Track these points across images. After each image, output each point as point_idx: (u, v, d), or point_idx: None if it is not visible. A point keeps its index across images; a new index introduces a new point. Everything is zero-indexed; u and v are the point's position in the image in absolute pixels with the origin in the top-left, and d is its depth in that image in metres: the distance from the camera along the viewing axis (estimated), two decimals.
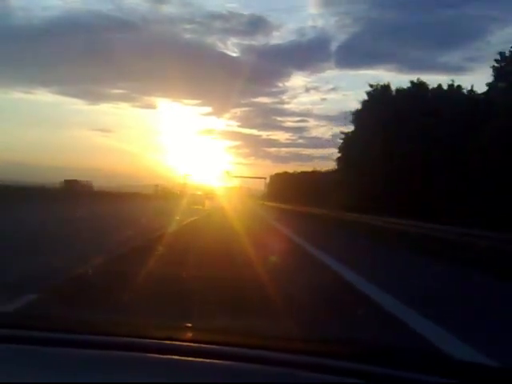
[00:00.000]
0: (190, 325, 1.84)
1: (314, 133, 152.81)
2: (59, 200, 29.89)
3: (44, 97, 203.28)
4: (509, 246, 10.24)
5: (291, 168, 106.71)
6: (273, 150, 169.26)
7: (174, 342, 1.35)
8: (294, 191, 66.49)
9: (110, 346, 1.31)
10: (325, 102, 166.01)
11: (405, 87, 36.18)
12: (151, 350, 1.28)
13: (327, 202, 39.13)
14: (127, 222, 19.24)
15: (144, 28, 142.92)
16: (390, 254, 12.42)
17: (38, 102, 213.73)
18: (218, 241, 12.53)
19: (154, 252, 8.86)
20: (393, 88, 37.08)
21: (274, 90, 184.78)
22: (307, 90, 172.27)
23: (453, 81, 35.05)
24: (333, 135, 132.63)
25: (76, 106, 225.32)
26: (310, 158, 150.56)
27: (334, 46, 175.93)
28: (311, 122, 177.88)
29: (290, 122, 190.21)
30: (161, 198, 60.31)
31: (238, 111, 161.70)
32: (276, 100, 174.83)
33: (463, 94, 33.33)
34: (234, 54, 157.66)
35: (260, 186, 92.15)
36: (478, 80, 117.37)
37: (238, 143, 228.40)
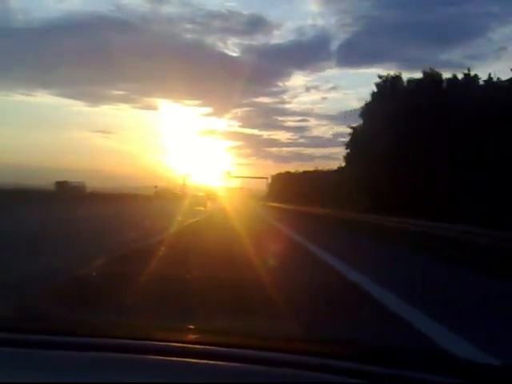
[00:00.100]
0: (191, 326, 1.84)
1: (315, 132, 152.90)
2: (45, 202, 28.26)
3: (44, 99, 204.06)
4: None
5: (292, 168, 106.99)
6: (274, 149, 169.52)
7: (174, 344, 1.35)
8: (295, 191, 66.53)
9: (111, 348, 1.31)
10: (325, 101, 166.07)
11: (416, 77, 33.54)
12: (152, 352, 1.28)
13: (330, 202, 38.42)
14: (113, 228, 15.86)
15: (144, 29, 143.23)
16: (400, 257, 12.36)
17: (38, 104, 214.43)
18: (220, 242, 12.54)
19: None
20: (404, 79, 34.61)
21: (275, 89, 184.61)
22: (308, 89, 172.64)
23: (469, 69, 32.21)
24: (334, 134, 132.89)
25: (76, 107, 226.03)
26: (311, 157, 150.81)
27: (334, 44, 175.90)
28: (312, 122, 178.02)
29: (290, 121, 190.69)
30: (161, 199, 59.91)
31: (239, 111, 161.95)
32: (277, 100, 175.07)
33: (479, 84, 30.88)
34: (234, 54, 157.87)
35: (261, 186, 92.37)
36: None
37: (239, 143, 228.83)
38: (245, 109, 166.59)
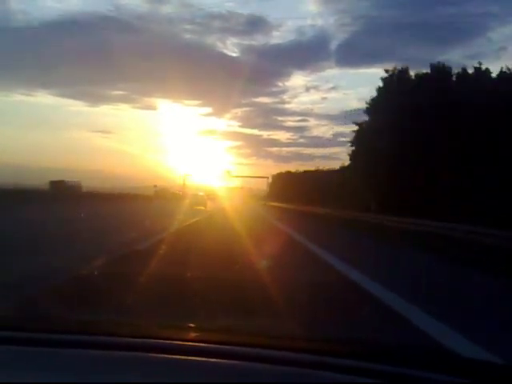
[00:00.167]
0: (192, 324, 1.84)
1: (315, 132, 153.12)
2: (39, 203, 27.50)
3: (44, 99, 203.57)
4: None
5: (293, 167, 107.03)
6: (274, 149, 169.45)
7: (176, 342, 1.35)
8: (296, 191, 66.54)
9: (112, 347, 1.31)
10: (325, 101, 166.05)
11: (424, 71, 32.21)
12: (154, 350, 1.28)
13: (332, 201, 37.87)
14: (108, 229, 15.13)
15: (143, 29, 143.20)
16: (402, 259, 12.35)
17: (38, 104, 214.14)
18: (220, 242, 12.54)
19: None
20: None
21: (275, 89, 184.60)
22: (307, 89, 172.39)
23: (480, 63, 30.68)
24: (334, 134, 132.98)
25: (76, 107, 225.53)
26: (311, 157, 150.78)
27: (333, 44, 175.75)
28: (312, 122, 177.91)
29: (290, 121, 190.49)
30: (160, 199, 59.59)
31: (239, 111, 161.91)
32: (276, 100, 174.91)
33: (491, 78, 29.47)
34: (234, 54, 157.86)
35: (262, 186, 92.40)
36: None
37: (239, 143, 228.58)
38: (245, 109, 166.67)
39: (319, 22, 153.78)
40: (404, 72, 33.07)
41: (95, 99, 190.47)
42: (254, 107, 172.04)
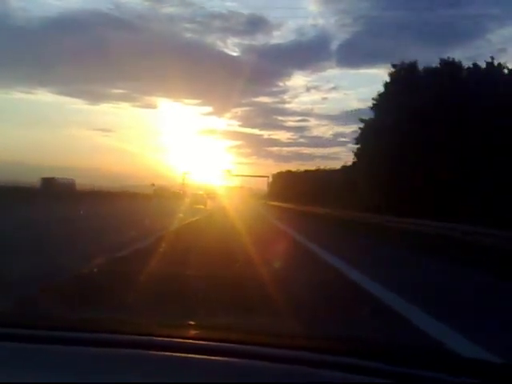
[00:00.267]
0: (192, 322, 1.84)
1: (316, 132, 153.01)
2: (27, 201, 26.49)
3: (44, 97, 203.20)
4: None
5: (293, 167, 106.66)
6: (274, 149, 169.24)
7: (176, 340, 1.35)
8: (297, 190, 66.36)
9: (113, 344, 1.31)
10: (326, 102, 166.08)
11: (434, 66, 30.32)
12: (154, 348, 1.28)
13: (334, 201, 37.01)
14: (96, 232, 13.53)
15: (144, 27, 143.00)
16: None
17: (38, 102, 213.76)
18: (220, 240, 12.53)
19: None
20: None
21: (275, 89, 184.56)
22: (308, 89, 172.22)
23: (492, 58, 28.72)
24: (334, 134, 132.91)
25: (76, 105, 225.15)
26: (311, 157, 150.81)
27: (334, 44, 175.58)
28: (312, 122, 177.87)
29: (291, 121, 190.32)
30: (160, 197, 58.88)
31: (239, 111, 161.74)
32: (277, 99, 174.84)
33: (504, 73, 27.77)
34: (235, 54, 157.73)
35: (262, 185, 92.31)
36: None
37: (239, 143, 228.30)
38: (245, 108, 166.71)
39: (320, 22, 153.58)
40: (412, 67, 31.44)
41: (95, 97, 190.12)
42: (254, 107, 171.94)
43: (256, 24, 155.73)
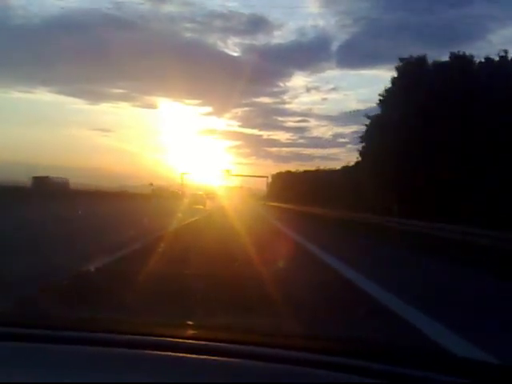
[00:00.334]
0: (191, 322, 1.84)
1: (315, 133, 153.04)
2: (17, 200, 25.30)
3: (44, 96, 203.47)
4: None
5: (292, 168, 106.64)
6: (274, 149, 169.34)
7: (175, 340, 1.35)
8: (296, 191, 66.27)
9: (111, 344, 1.31)
10: (326, 102, 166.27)
11: (444, 60, 28.99)
12: (152, 348, 1.28)
13: (336, 202, 36.27)
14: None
15: (144, 27, 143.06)
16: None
17: (37, 102, 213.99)
18: (219, 241, 12.53)
19: None
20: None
21: (275, 89, 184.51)
22: (308, 89, 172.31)
23: (506, 51, 27.35)
24: (333, 135, 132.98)
25: (76, 105, 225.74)
26: (310, 157, 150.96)
27: (334, 45, 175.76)
28: (312, 122, 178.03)
29: (290, 121, 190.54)
30: (158, 197, 58.12)
31: (239, 111, 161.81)
32: (277, 100, 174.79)
33: None
34: (235, 54, 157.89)
35: (261, 185, 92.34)
36: None
37: (238, 143, 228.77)
38: (245, 109, 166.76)
39: (320, 22, 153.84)
40: (421, 61, 29.93)
41: (95, 97, 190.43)
42: (254, 107, 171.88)
43: (256, 24, 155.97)
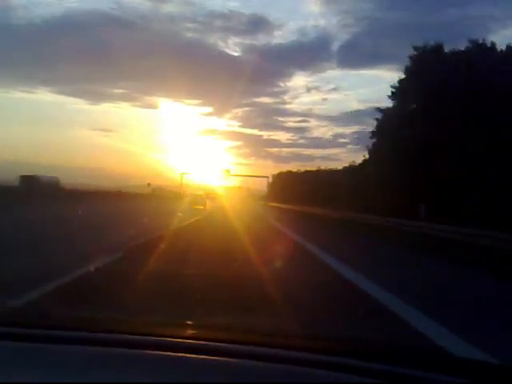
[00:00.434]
0: (190, 322, 1.84)
1: (315, 133, 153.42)
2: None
3: (45, 96, 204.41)
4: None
5: (292, 168, 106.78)
6: (274, 150, 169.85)
7: (175, 339, 1.35)
8: (297, 191, 66.25)
9: (111, 344, 1.31)
10: (326, 102, 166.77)
11: (462, 48, 27.47)
12: (152, 347, 1.28)
13: (337, 202, 36.02)
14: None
15: (145, 27, 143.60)
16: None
17: (38, 102, 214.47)
18: (220, 240, 12.53)
19: None
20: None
21: (276, 89, 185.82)
22: (308, 89, 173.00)
23: None
24: (334, 135, 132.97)
25: (77, 105, 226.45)
26: (311, 158, 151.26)
27: (335, 45, 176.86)
28: (312, 122, 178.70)
29: (291, 122, 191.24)
30: (157, 197, 57.34)
31: (239, 111, 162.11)
32: (277, 100, 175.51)
33: None
34: (236, 54, 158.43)
35: (261, 186, 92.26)
36: None
37: (238, 143, 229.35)
38: (245, 109, 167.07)
39: (321, 22, 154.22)
40: (438, 48, 28.30)
41: (96, 97, 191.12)
42: (254, 107, 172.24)
43: (257, 24, 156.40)
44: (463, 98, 23.62)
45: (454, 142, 23.46)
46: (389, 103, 30.70)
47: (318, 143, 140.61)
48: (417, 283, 7.51)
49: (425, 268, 9.73)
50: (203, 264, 7.96)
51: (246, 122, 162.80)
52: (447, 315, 5.15)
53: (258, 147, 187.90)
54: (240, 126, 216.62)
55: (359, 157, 36.63)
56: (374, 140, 32.25)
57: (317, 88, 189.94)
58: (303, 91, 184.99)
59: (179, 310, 4.41)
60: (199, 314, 4.18)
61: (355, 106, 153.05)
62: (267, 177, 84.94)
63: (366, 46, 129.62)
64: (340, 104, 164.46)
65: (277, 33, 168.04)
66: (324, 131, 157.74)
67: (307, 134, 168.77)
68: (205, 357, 1.23)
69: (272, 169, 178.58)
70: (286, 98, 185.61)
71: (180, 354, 1.24)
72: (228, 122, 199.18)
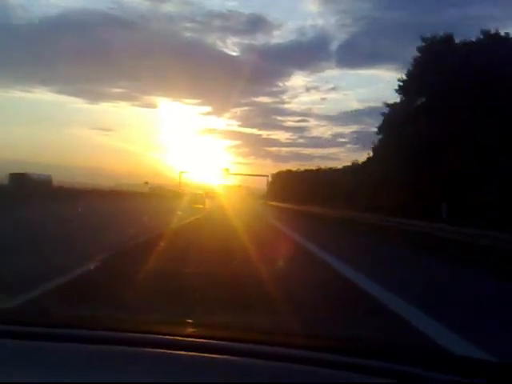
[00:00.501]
0: (190, 320, 1.84)
1: (315, 132, 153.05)
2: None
3: (44, 96, 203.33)
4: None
5: (291, 167, 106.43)
6: (273, 149, 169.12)
7: (174, 338, 1.35)
8: (297, 190, 66.07)
9: (111, 342, 1.31)
10: (325, 102, 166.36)
11: (473, 39, 26.06)
12: (152, 345, 1.28)
13: (342, 202, 34.36)
14: None
15: (144, 27, 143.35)
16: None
17: (37, 101, 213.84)
18: (220, 239, 12.51)
19: None
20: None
21: (275, 89, 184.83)
22: (307, 89, 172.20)
23: None
24: (333, 135, 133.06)
25: (76, 104, 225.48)
26: (310, 157, 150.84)
27: (334, 45, 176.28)
28: (311, 122, 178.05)
29: (290, 121, 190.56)
30: (155, 196, 56.77)
31: (238, 111, 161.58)
32: (276, 99, 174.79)
33: None
34: (234, 54, 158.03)
35: (260, 184, 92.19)
36: None
37: (238, 143, 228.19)
38: (244, 108, 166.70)
39: (320, 22, 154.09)
40: (448, 39, 26.84)
41: (95, 97, 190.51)
42: (253, 107, 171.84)
43: (256, 24, 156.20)
44: (474, 88, 22.79)
45: (465, 133, 22.55)
46: (396, 98, 29.58)
47: (317, 143, 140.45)
48: (417, 283, 7.52)
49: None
50: (203, 263, 7.97)
51: (245, 121, 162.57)
52: (447, 315, 5.16)
53: (257, 146, 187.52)
54: (239, 126, 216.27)
55: (359, 156, 36.12)
56: (380, 136, 31.16)
57: (316, 88, 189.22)
58: (302, 91, 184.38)
59: (179, 308, 4.41)
60: (199, 313, 4.18)
61: (354, 105, 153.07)
62: (267, 176, 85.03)
63: (364, 45, 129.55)
64: (339, 104, 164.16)
65: (275, 32, 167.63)
66: (323, 131, 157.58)
67: (306, 134, 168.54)
68: (204, 355, 1.23)
69: (271, 168, 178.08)
70: (284, 97, 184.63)
71: (180, 352, 1.24)
72: (227, 122, 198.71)
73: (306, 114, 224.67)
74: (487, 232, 11.87)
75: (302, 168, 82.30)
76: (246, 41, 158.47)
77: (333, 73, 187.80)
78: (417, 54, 28.04)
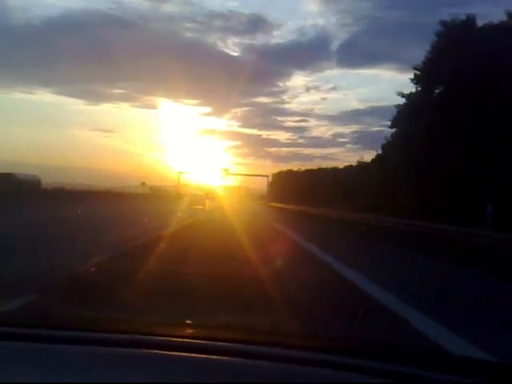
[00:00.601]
0: (190, 321, 1.84)
1: (315, 132, 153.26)
2: None
3: (44, 97, 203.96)
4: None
5: (291, 168, 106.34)
6: (273, 149, 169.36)
7: (174, 339, 1.35)
8: (298, 190, 65.88)
9: (111, 343, 1.31)
10: (325, 102, 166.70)
11: (497, 22, 23.78)
12: (152, 347, 1.28)
13: (346, 203, 33.63)
14: None
15: (144, 27, 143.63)
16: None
17: (38, 102, 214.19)
18: (220, 240, 12.50)
19: None
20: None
21: (275, 89, 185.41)
22: (307, 89, 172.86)
23: None
24: (333, 135, 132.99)
25: (76, 106, 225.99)
26: (310, 157, 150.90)
27: (334, 45, 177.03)
28: (311, 122, 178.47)
29: (290, 121, 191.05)
30: (153, 198, 56.29)
31: (239, 111, 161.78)
32: (276, 100, 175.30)
33: None
34: (235, 54, 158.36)
35: (260, 185, 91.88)
36: None
37: (238, 143, 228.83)
38: (244, 108, 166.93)
39: (320, 22, 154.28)
40: (469, 24, 24.69)
41: (96, 98, 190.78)
42: (253, 107, 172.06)
43: (256, 24, 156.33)
44: (494, 77, 21.16)
45: (490, 122, 21.04)
46: (412, 88, 27.50)
47: (318, 143, 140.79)
48: (417, 282, 7.52)
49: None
50: (203, 263, 7.97)
51: (245, 121, 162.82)
52: (447, 315, 5.16)
53: (257, 147, 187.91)
54: (239, 126, 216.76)
55: (359, 156, 35.48)
56: (392, 131, 29.27)
57: (316, 87, 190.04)
58: (302, 91, 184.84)
59: (179, 309, 4.41)
60: (199, 314, 4.18)
61: (354, 105, 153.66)
62: (267, 176, 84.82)
63: (365, 45, 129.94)
64: (339, 103, 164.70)
65: (276, 32, 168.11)
66: (323, 131, 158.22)
67: (306, 134, 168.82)
68: (205, 356, 1.23)
69: (271, 168, 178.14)
70: (285, 97, 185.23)
71: (180, 354, 1.24)
72: (227, 122, 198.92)
73: (306, 114, 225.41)
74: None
75: (303, 168, 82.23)
76: (247, 41, 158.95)
77: (333, 72, 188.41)
78: (434, 39, 26.00)
